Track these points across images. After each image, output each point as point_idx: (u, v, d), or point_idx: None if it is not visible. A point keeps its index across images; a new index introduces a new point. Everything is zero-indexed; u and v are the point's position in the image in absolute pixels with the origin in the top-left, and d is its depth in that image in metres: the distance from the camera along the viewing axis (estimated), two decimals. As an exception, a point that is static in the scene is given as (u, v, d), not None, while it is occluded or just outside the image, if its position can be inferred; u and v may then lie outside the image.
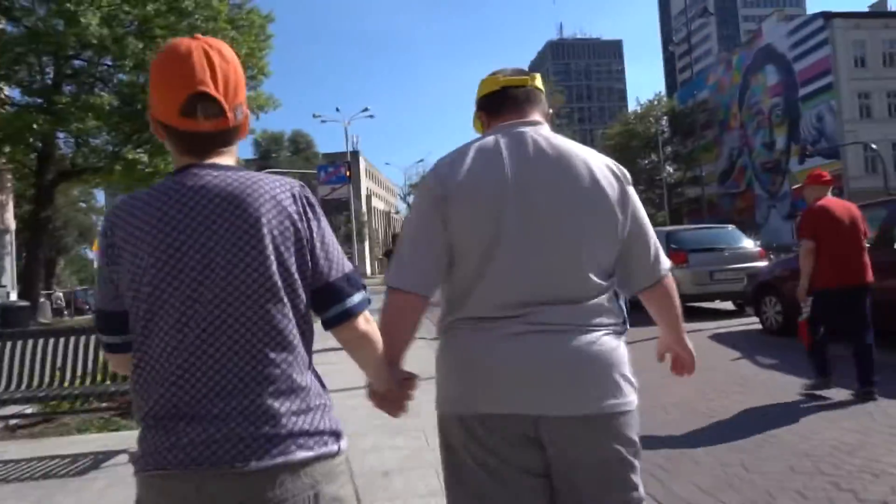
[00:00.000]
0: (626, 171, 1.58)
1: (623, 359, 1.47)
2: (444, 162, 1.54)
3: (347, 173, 35.58)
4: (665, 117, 50.49)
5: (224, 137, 1.26)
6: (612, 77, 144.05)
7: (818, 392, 4.79)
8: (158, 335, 1.16)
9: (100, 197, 43.09)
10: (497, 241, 1.44)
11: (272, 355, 1.16)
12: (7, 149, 16.62)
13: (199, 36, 1.25)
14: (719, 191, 46.56)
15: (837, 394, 4.74)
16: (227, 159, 1.27)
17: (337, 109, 51.71)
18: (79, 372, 4.55)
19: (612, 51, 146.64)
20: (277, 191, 1.22)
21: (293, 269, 1.19)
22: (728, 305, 11.12)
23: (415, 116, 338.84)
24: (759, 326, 8.48)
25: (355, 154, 56.08)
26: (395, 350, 1.48)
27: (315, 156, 60.11)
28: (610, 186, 1.50)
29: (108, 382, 4.47)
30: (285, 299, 1.18)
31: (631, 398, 1.45)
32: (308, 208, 1.24)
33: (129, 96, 18.36)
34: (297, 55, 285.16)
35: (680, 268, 9.99)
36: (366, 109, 41.39)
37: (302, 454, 1.15)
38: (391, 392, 1.48)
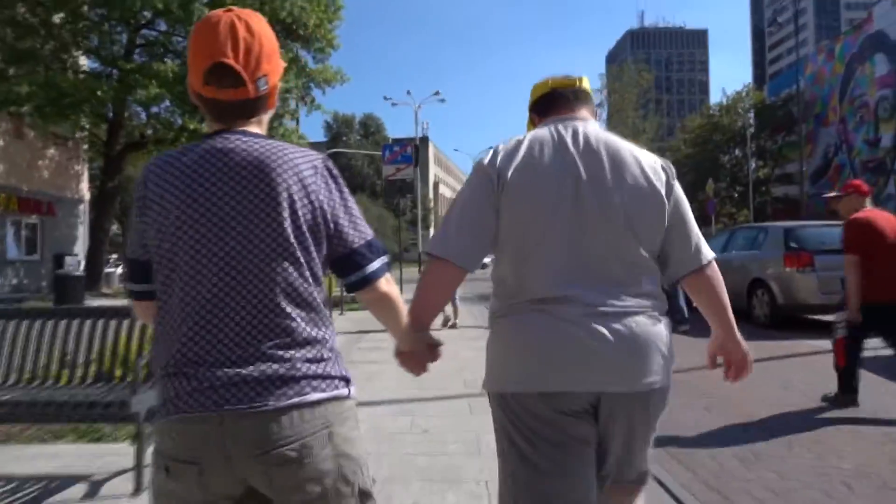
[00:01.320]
0: (670, 164, 1.66)
1: (666, 338, 1.57)
2: (502, 147, 1.61)
3: (412, 153, 34.12)
4: (752, 110, 46.79)
5: (247, 107, 1.30)
6: (695, 68, 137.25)
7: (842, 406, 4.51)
8: (178, 286, 1.22)
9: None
10: (553, 226, 1.52)
11: (287, 309, 1.22)
12: (72, 115, 16.44)
13: (234, 8, 1.30)
14: (810, 190, 42.87)
15: None
16: (255, 128, 1.32)
17: (408, 93, 51.17)
18: (84, 359, 3.61)
19: (697, 41, 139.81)
20: (299, 160, 1.28)
21: (307, 234, 1.25)
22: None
23: (486, 105, 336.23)
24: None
25: (424, 140, 55.21)
26: (426, 315, 1.62)
27: (385, 140, 59.68)
28: (656, 176, 1.59)
29: (116, 380, 3.51)
30: (301, 259, 1.24)
31: (669, 377, 1.57)
32: (330, 179, 1.31)
33: (195, 65, 17.97)
34: (371, 39, 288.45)
35: (803, 272, 8.32)
36: (437, 93, 40.53)
37: (316, 395, 1.22)
38: (416, 353, 1.60)
